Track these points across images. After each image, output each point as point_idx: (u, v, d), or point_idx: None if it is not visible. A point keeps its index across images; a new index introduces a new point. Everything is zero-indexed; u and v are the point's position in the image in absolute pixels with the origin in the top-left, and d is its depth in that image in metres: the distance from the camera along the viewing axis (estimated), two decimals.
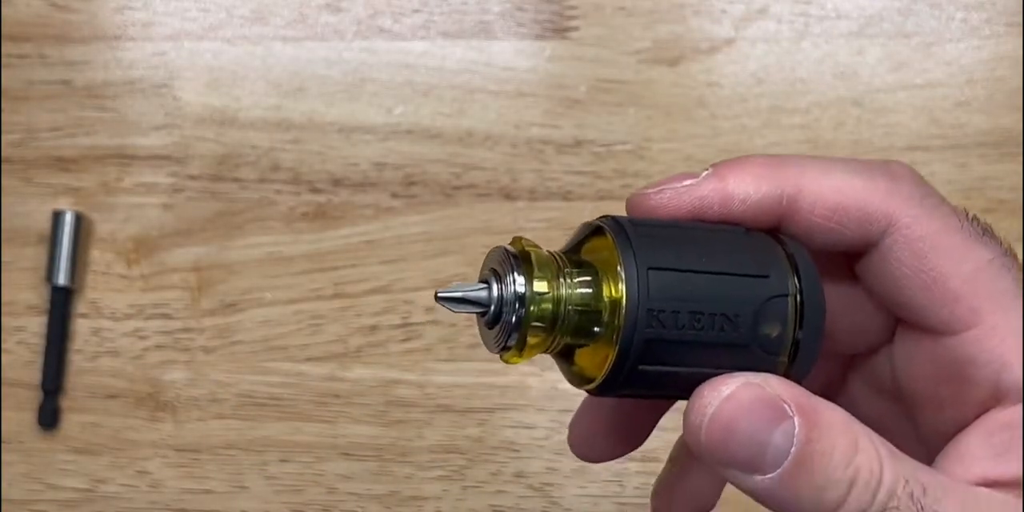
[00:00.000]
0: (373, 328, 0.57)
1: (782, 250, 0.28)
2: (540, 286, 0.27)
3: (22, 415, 0.57)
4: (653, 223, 0.28)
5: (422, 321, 0.57)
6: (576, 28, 0.59)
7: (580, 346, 0.28)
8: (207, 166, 0.58)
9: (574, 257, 0.28)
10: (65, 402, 0.57)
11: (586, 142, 0.58)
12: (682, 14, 0.59)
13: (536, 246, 0.28)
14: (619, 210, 0.29)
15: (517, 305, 0.27)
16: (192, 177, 0.58)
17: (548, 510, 0.56)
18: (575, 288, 0.27)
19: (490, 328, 0.28)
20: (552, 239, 0.32)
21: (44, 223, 0.58)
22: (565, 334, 0.28)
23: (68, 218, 0.57)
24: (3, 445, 0.57)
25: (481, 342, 0.29)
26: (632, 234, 0.27)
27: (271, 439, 0.57)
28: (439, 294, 0.27)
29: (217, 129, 0.58)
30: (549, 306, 0.27)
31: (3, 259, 0.58)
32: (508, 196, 0.58)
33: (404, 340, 0.57)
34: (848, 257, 0.30)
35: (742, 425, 0.25)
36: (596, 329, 0.27)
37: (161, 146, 0.58)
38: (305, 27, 0.59)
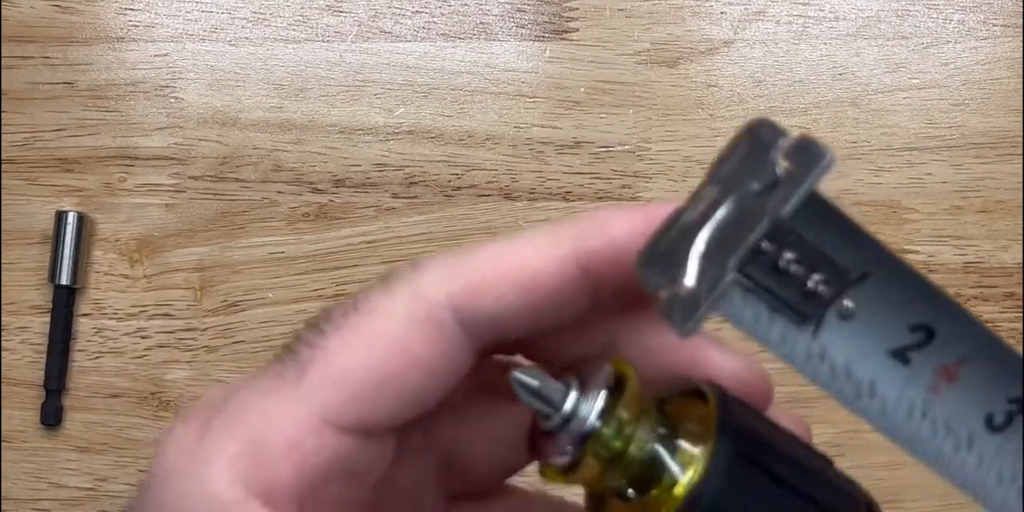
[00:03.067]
0: None
1: (866, 508, 0.26)
2: (624, 414, 0.25)
3: (25, 414, 0.58)
4: (754, 411, 0.26)
5: None
6: (576, 29, 0.59)
7: (624, 498, 0.26)
8: (209, 167, 0.59)
9: (663, 407, 0.26)
10: (68, 401, 0.58)
11: (585, 143, 0.58)
12: (681, 15, 0.59)
13: (634, 373, 0.25)
14: None
15: (592, 422, 0.24)
16: (194, 178, 0.59)
17: None
18: (653, 435, 0.25)
19: (547, 435, 0.25)
20: None
21: (47, 223, 0.58)
22: (617, 477, 0.25)
23: (71, 218, 0.57)
24: (6, 444, 0.57)
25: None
26: (734, 411, 0.24)
27: None
28: (516, 374, 0.25)
29: (219, 130, 0.59)
30: (620, 441, 0.25)
31: (6, 259, 0.58)
32: (508, 196, 0.58)
33: None
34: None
35: None
36: (651, 488, 0.25)
37: (163, 147, 0.59)
38: (306, 29, 0.59)
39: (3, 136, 0.59)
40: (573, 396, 0.25)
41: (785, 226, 0.22)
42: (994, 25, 0.59)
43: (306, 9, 0.59)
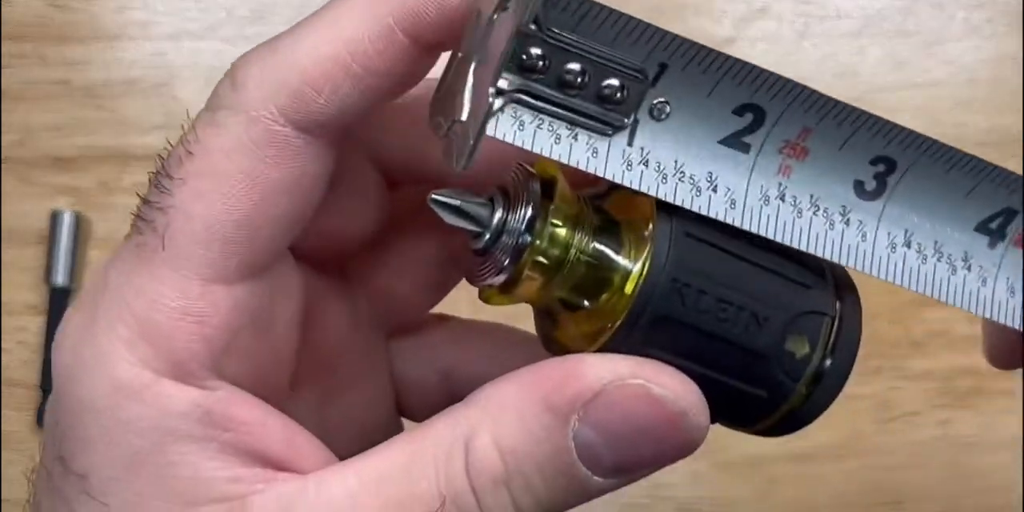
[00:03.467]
0: None
1: (830, 272, 0.25)
2: (556, 219, 0.23)
3: (21, 415, 0.57)
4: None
5: None
6: None
7: (573, 309, 0.24)
8: None
9: (599, 204, 0.24)
10: None
11: None
12: (683, 14, 0.59)
13: (562, 176, 0.24)
14: None
15: (523, 232, 0.23)
16: None
17: None
18: (593, 235, 0.24)
19: (480, 255, 0.24)
20: None
21: (43, 223, 0.58)
22: (563, 287, 0.24)
23: (67, 218, 0.57)
24: (3, 445, 0.57)
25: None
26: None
27: None
28: (434, 195, 0.23)
29: None
30: (558, 247, 0.23)
31: (2, 259, 0.58)
32: None
33: None
34: None
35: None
36: (600, 292, 0.23)
37: (160, 146, 0.58)
38: None
39: None
40: (499, 209, 0.23)
41: (536, 33, 0.21)
42: (999, 23, 0.58)
43: (304, 7, 0.59)
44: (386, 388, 0.32)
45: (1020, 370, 0.54)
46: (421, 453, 0.24)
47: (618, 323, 0.23)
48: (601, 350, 0.23)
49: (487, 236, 0.24)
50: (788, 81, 0.23)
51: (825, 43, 0.59)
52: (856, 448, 0.53)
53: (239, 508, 0.23)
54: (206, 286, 0.23)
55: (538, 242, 0.23)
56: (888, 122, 0.24)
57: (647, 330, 0.23)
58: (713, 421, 0.24)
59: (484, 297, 0.25)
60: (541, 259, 0.23)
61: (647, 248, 0.23)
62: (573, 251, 0.23)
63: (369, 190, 0.28)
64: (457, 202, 0.23)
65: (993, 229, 0.25)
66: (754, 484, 0.54)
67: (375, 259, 0.30)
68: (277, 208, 0.23)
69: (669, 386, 0.23)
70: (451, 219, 0.24)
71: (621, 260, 0.23)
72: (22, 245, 0.58)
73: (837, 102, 0.23)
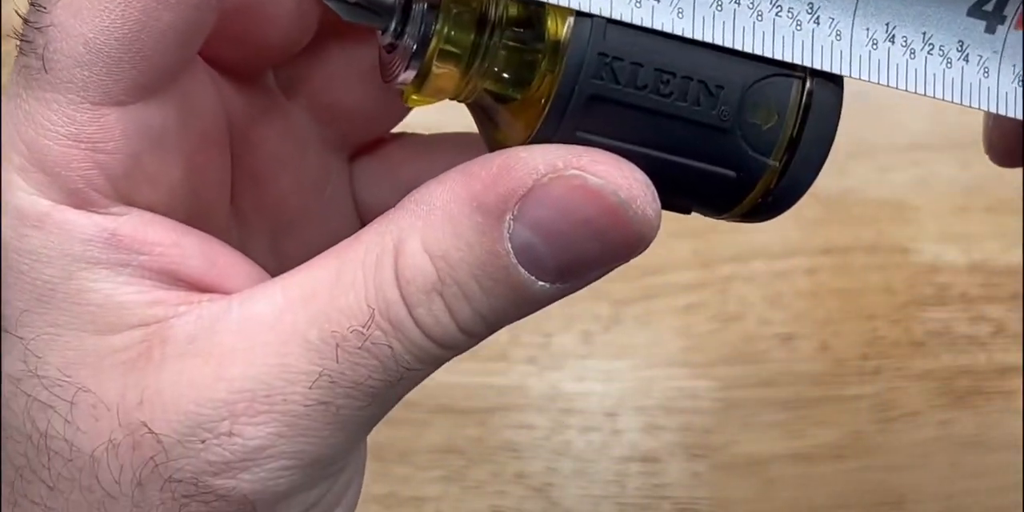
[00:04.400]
0: None
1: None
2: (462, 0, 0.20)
3: None
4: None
5: None
6: None
7: (505, 100, 0.22)
8: None
9: None
10: None
11: None
12: None
13: None
14: None
15: (427, 17, 0.21)
16: None
17: (548, 511, 0.56)
18: (509, 12, 0.21)
19: (389, 53, 0.22)
20: None
21: None
22: (487, 76, 0.21)
23: None
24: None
25: None
26: None
27: None
28: None
29: None
30: (465, 30, 0.21)
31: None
32: None
33: None
34: None
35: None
36: (527, 79, 0.21)
37: None
38: None
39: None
40: None
41: None
42: None
43: None
44: (350, 216, 0.30)
45: (1020, 370, 0.54)
46: (350, 264, 0.22)
47: (547, 109, 0.20)
48: (535, 142, 0.21)
49: (391, 28, 0.21)
50: None
51: None
52: (856, 448, 0.53)
53: (158, 332, 0.22)
54: (96, 109, 0.22)
55: (445, 28, 0.21)
56: None
57: (580, 114, 0.20)
58: (687, 210, 0.23)
59: (406, 100, 0.23)
60: (450, 47, 0.21)
61: (568, 22, 0.20)
62: (489, 34, 0.21)
63: None
64: None
65: (988, 11, 0.22)
66: (754, 484, 0.54)
67: (316, 72, 0.28)
68: (162, 21, 0.22)
69: (606, 174, 0.20)
70: (350, 16, 0.22)
71: (547, 37, 0.21)
72: None
73: None
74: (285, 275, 0.23)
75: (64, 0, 0.22)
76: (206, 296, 0.23)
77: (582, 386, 0.55)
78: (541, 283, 0.21)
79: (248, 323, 0.22)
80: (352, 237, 0.23)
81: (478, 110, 0.23)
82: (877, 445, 0.54)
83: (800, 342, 0.55)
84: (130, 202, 0.23)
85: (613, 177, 0.20)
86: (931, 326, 0.56)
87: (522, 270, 0.21)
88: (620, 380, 0.55)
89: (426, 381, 0.62)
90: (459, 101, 0.23)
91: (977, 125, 0.57)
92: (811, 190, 0.22)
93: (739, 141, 0.21)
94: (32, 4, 0.22)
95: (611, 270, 0.22)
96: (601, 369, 0.55)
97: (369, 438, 0.47)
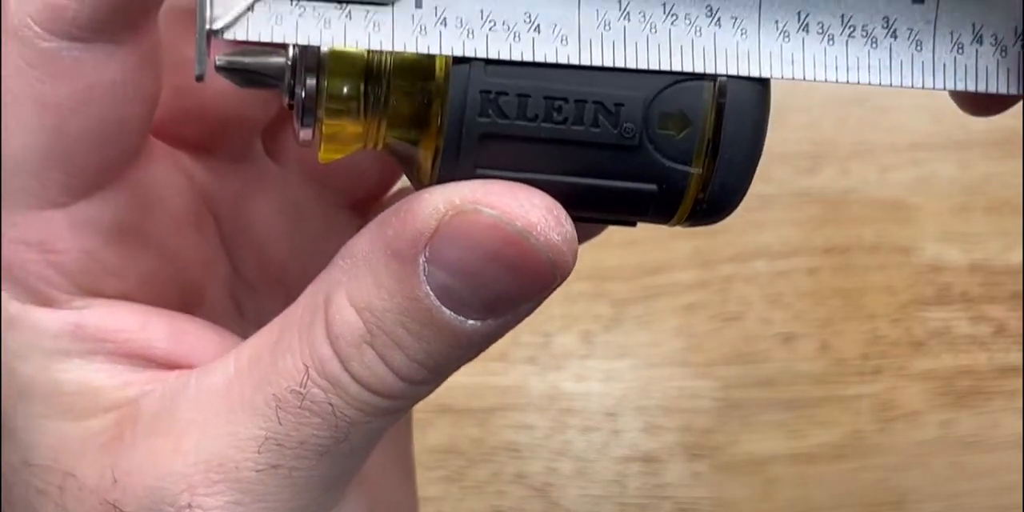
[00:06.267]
0: None
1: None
2: (345, 49, 0.20)
3: None
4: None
5: None
6: None
7: (415, 142, 0.22)
8: None
9: None
10: None
11: None
12: None
13: None
14: None
15: (309, 75, 0.20)
16: None
17: (548, 511, 0.56)
18: (395, 59, 0.21)
19: (291, 110, 0.22)
20: None
21: None
22: (385, 124, 0.21)
23: None
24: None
25: None
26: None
27: None
28: (217, 61, 0.21)
29: None
30: (356, 82, 0.21)
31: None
32: None
33: None
34: None
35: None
36: (426, 119, 0.21)
37: None
38: None
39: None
40: (285, 56, 0.21)
41: None
42: None
43: None
44: None
45: (1021, 370, 0.54)
46: (288, 325, 0.22)
47: (441, 151, 0.20)
48: (440, 182, 0.21)
49: (285, 90, 0.21)
50: None
51: None
52: (856, 448, 0.53)
53: (129, 413, 0.23)
54: (39, 213, 0.22)
55: (328, 81, 0.21)
56: None
57: (475, 152, 0.20)
58: (631, 223, 0.22)
59: (319, 157, 0.22)
60: (335, 104, 0.21)
61: (446, 64, 0.20)
62: (379, 81, 0.21)
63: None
64: (248, 59, 0.21)
65: None
66: (754, 484, 0.54)
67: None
68: (76, 126, 0.22)
69: (500, 205, 0.20)
70: (243, 83, 0.21)
71: (437, 78, 0.21)
72: None
73: None
74: (242, 343, 0.23)
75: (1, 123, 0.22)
76: (174, 373, 0.24)
77: (582, 386, 0.55)
78: (471, 321, 0.21)
79: (203, 394, 0.23)
80: (297, 299, 0.23)
81: (395, 155, 0.23)
82: (877, 445, 0.54)
83: (800, 342, 0.55)
84: (96, 293, 0.24)
85: (508, 207, 0.20)
86: (932, 326, 0.56)
87: (446, 311, 0.21)
88: (620, 380, 0.55)
89: None
90: (372, 149, 0.22)
91: (977, 125, 0.57)
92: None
93: (652, 154, 0.20)
94: None
95: (543, 299, 0.22)
96: (601, 369, 0.55)
97: None
